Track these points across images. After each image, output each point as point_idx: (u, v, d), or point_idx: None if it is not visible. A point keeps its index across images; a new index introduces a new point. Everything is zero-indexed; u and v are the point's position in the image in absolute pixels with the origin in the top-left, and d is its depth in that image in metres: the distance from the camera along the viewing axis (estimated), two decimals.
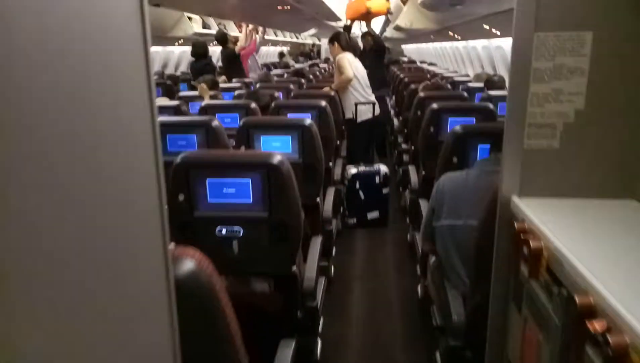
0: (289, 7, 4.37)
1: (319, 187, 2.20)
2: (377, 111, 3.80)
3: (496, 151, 1.52)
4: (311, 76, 6.18)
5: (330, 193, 2.63)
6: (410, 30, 4.47)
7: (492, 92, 3.13)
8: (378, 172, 3.43)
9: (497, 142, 1.39)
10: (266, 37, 11.22)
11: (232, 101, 3.01)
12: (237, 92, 3.55)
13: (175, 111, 2.89)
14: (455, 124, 2.01)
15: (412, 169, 2.92)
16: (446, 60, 8.05)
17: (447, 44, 7.37)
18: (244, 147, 2.02)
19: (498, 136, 1.19)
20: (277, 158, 1.38)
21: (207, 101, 2.85)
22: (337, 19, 7.63)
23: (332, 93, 3.57)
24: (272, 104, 2.73)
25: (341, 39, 3.81)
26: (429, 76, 5.65)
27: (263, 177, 1.38)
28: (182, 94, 3.67)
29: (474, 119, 2.42)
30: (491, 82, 3.40)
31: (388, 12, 4.91)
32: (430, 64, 8.88)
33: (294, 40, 13.03)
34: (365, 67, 4.05)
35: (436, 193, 1.66)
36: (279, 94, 3.54)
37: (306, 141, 2.03)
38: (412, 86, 3.83)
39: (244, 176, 1.40)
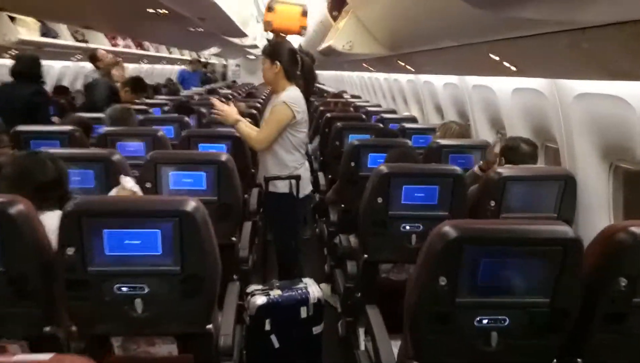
0: (165, 11, 2.77)
1: (235, 225, 2.21)
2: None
3: None
4: (204, 110, 4.53)
5: (247, 227, 2.67)
6: (346, 55, 3.08)
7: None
8: (305, 299, 2.19)
9: None
10: (153, 52, 9.46)
11: None
12: None
13: (70, 139, 2.69)
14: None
15: None
16: (377, 94, 6.85)
17: (380, 75, 6.14)
18: (150, 184, 1.99)
19: None
20: (191, 204, 1.33)
21: None
22: (241, 33, 6.16)
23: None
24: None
25: (282, 54, 2.56)
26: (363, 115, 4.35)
27: (174, 226, 1.33)
28: None
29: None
30: (514, 150, 2.08)
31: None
32: (353, 96, 7.69)
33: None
34: None
35: None
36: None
37: (223, 178, 2.05)
38: (354, 141, 2.83)
39: (152, 227, 1.34)
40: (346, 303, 2.31)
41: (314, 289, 2.19)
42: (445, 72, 3.32)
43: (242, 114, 4.58)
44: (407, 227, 1.97)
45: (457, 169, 1.98)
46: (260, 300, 2.09)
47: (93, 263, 1.34)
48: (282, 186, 2.55)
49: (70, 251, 1.30)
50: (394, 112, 5.57)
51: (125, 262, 1.34)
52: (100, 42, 6.41)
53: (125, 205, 1.39)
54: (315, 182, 3.72)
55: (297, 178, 2.47)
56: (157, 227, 1.32)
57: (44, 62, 7.18)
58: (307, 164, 2.71)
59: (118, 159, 2.08)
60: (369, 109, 5.66)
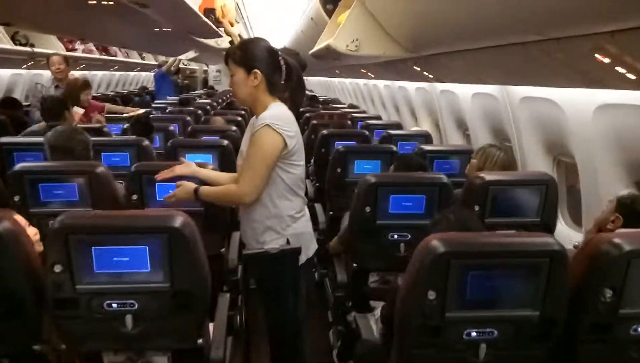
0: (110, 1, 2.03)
1: (223, 236, 2.34)
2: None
3: None
4: (172, 128, 3.78)
5: (235, 237, 2.63)
6: (347, 58, 2.39)
7: None
8: None
9: None
10: (121, 58, 8.66)
11: None
12: None
13: None
14: None
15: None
16: (375, 104, 6.17)
17: (380, 83, 5.47)
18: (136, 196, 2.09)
19: None
20: (179, 220, 1.41)
21: None
22: (210, 32, 5.42)
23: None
24: None
25: (260, 58, 1.81)
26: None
27: (163, 243, 1.40)
28: None
29: None
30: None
31: None
32: (352, 106, 7.01)
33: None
34: None
35: None
36: None
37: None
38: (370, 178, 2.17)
39: (140, 244, 1.42)
40: None
41: None
42: (484, 81, 2.62)
43: (222, 131, 3.87)
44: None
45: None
46: None
47: (82, 281, 1.40)
48: (272, 243, 1.78)
49: (58, 268, 1.37)
50: (399, 126, 4.86)
51: (115, 280, 1.41)
52: (50, 46, 5.60)
53: (113, 221, 1.45)
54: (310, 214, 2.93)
55: (296, 252, 1.71)
56: (146, 243, 1.38)
57: None
58: (307, 212, 1.95)
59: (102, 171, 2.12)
60: (370, 122, 4.94)
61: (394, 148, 3.09)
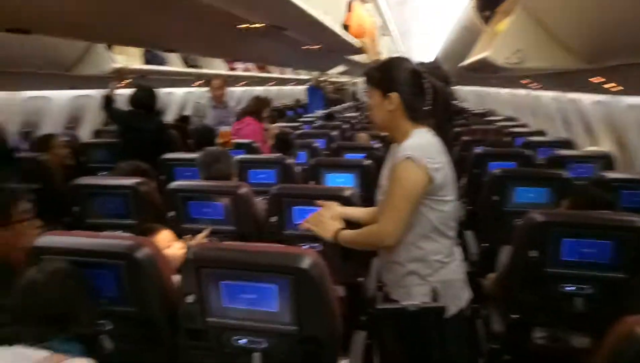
0: (257, 25, 2.11)
1: (361, 263, 2.20)
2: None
3: None
4: (317, 143, 3.86)
5: (375, 263, 2.44)
6: (508, 70, 2.03)
7: None
8: None
9: None
10: (277, 75, 9.21)
11: None
12: None
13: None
14: None
15: None
16: (536, 117, 5.52)
17: (545, 94, 4.88)
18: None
19: None
20: (307, 260, 1.32)
21: None
22: (352, 49, 5.38)
23: None
24: None
25: (398, 80, 1.62)
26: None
27: (291, 284, 1.34)
28: None
29: None
30: None
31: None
32: (509, 119, 6.40)
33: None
34: None
35: None
36: None
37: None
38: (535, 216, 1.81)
39: (268, 282, 1.36)
40: None
41: None
42: None
43: (366, 149, 3.76)
44: None
45: None
46: None
47: (212, 314, 1.41)
48: (416, 295, 1.56)
49: (190, 299, 1.39)
50: (569, 144, 4.21)
51: (244, 316, 1.38)
52: (215, 67, 6.15)
53: (241, 256, 1.41)
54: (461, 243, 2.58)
55: (440, 311, 1.47)
56: (274, 282, 1.34)
57: (165, 90, 7.26)
58: (458, 255, 1.69)
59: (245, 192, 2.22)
60: (533, 139, 4.38)
61: (566, 174, 2.62)
